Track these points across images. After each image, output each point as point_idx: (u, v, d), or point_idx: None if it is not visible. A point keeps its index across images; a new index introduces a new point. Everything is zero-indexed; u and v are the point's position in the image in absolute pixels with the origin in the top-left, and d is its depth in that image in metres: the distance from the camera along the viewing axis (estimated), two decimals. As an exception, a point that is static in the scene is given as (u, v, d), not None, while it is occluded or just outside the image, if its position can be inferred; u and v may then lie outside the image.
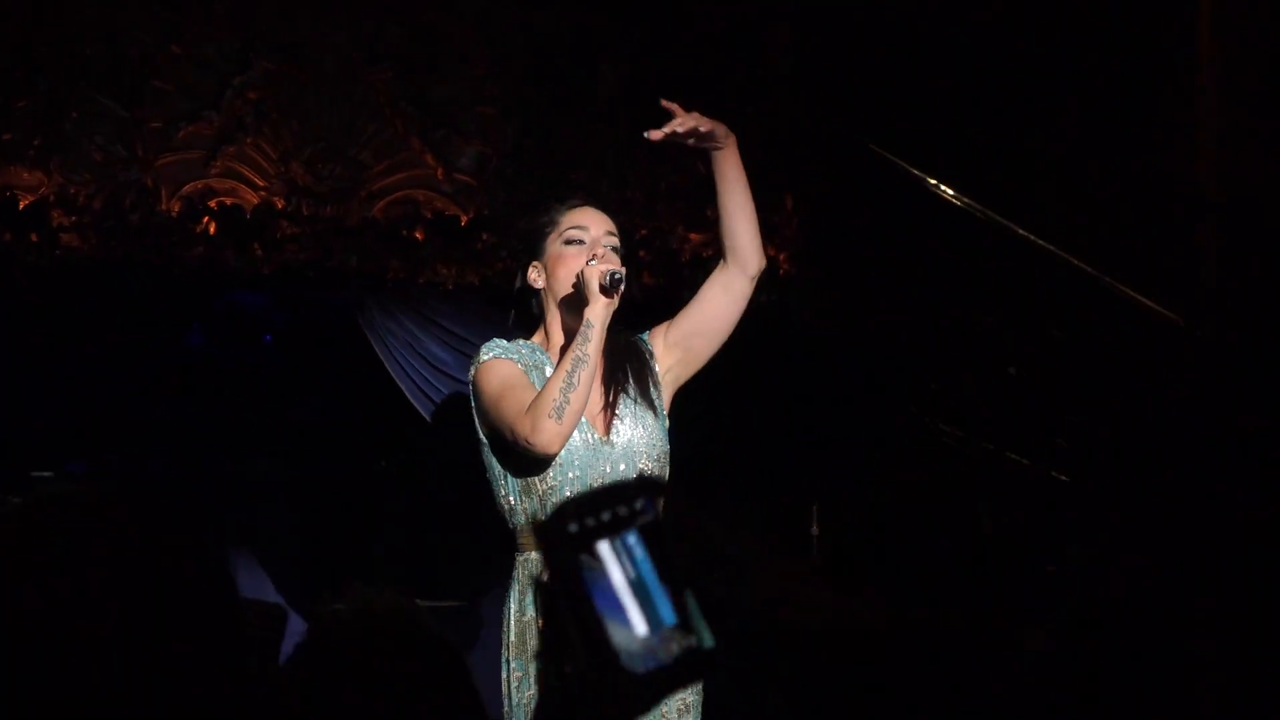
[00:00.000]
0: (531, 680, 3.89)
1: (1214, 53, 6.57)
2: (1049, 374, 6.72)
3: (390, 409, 6.11)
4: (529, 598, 3.90)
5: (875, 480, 6.78)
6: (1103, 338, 6.66)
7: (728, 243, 4.02)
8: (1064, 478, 6.57)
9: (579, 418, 3.83)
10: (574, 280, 3.89)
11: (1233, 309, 6.25)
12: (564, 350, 3.94)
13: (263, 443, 7.10)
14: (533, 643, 3.88)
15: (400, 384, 5.89)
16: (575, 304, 3.90)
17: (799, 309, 6.49)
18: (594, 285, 3.81)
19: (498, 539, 4.06)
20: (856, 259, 6.89)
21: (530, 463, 3.87)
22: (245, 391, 6.93)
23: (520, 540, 3.97)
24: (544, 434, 3.77)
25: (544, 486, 3.89)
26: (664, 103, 3.93)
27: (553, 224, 4.03)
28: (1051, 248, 6.64)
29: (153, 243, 5.75)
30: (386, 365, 5.90)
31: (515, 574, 3.96)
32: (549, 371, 3.93)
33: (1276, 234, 6.16)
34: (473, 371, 3.97)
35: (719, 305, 4.02)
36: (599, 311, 3.81)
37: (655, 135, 3.92)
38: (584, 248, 3.94)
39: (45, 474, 6.96)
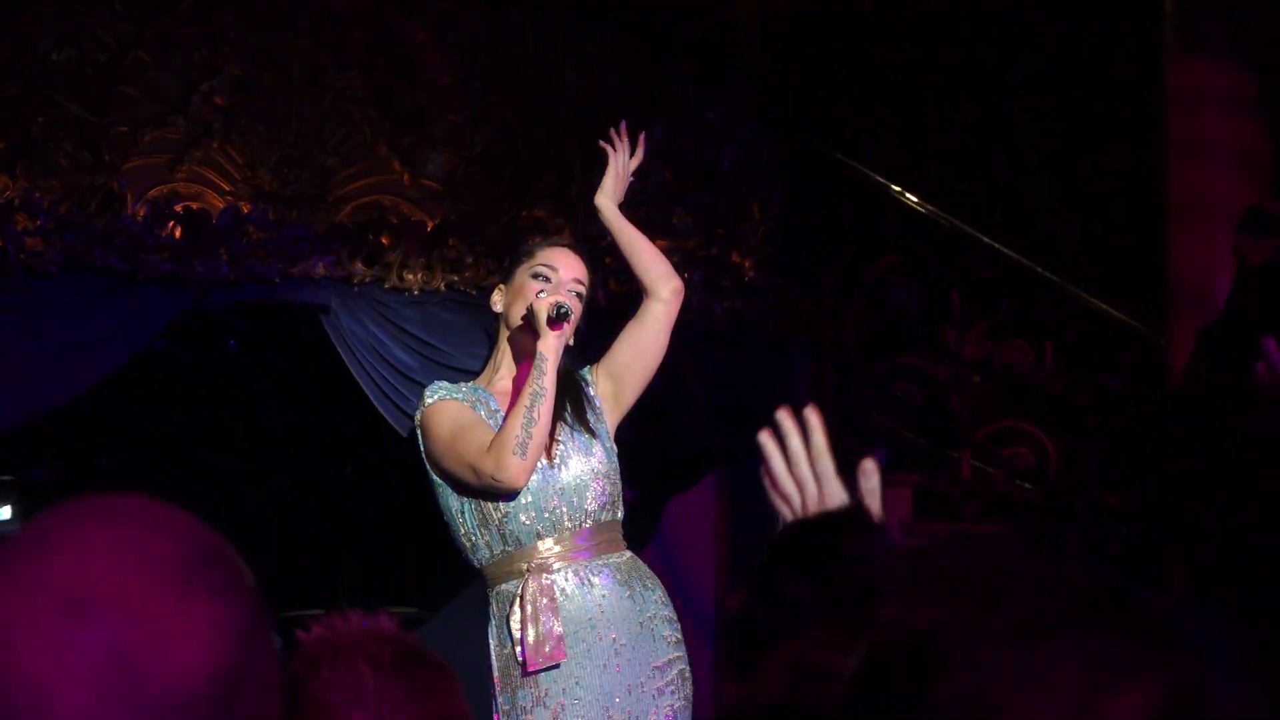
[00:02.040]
0: (518, 713, 3.92)
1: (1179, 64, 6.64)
2: (1015, 384, 6.77)
3: (356, 414, 6.10)
4: (506, 630, 3.94)
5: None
6: (1069, 344, 6.71)
7: (637, 277, 4.18)
8: (1027, 486, 6.63)
9: (541, 451, 3.89)
10: (525, 312, 3.95)
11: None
12: (508, 380, 4.01)
13: (227, 447, 7.07)
14: (515, 673, 3.92)
15: (366, 390, 5.88)
16: (523, 335, 4.00)
17: (763, 316, 6.50)
18: (542, 317, 3.89)
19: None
20: (821, 265, 6.93)
21: (489, 494, 3.91)
22: (208, 395, 6.90)
23: (489, 575, 4.00)
24: (509, 470, 3.84)
25: (499, 515, 3.95)
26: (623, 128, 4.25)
27: (529, 255, 4.11)
28: (1018, 257, 6.69)
29: (118, 247, 5.72)
30: (352, 371, 5.88)
31: (491, 609, 4.00)
32: (494, 407, 3.98)
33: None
34: (419, 416, 4.01)
35: (637, 336, 4.15)
36: (551, 344, 3.89)
37: (610, 146, 4.23)
38: (546, 285, 3.99)
39: (7, 478, 6.94)
